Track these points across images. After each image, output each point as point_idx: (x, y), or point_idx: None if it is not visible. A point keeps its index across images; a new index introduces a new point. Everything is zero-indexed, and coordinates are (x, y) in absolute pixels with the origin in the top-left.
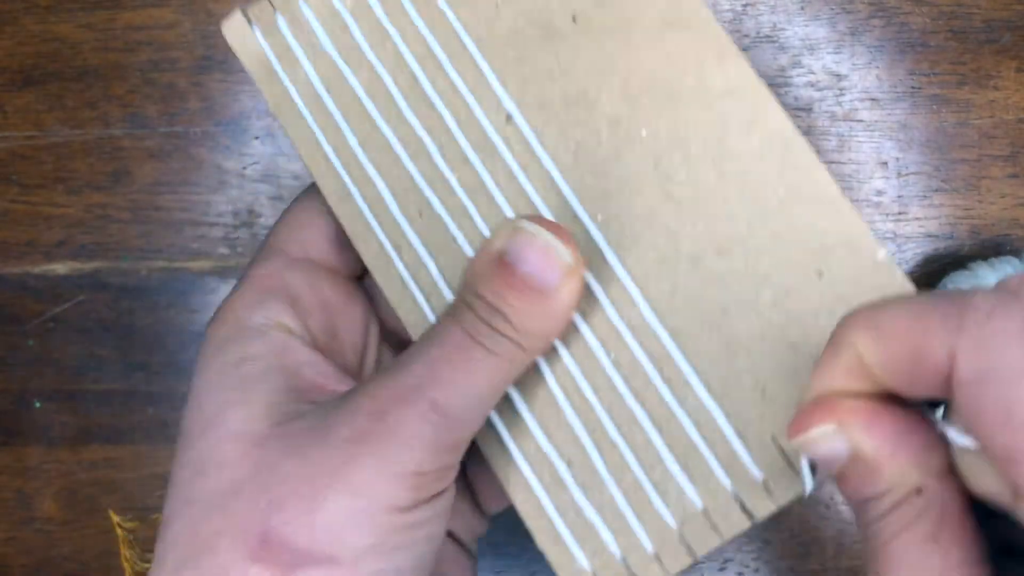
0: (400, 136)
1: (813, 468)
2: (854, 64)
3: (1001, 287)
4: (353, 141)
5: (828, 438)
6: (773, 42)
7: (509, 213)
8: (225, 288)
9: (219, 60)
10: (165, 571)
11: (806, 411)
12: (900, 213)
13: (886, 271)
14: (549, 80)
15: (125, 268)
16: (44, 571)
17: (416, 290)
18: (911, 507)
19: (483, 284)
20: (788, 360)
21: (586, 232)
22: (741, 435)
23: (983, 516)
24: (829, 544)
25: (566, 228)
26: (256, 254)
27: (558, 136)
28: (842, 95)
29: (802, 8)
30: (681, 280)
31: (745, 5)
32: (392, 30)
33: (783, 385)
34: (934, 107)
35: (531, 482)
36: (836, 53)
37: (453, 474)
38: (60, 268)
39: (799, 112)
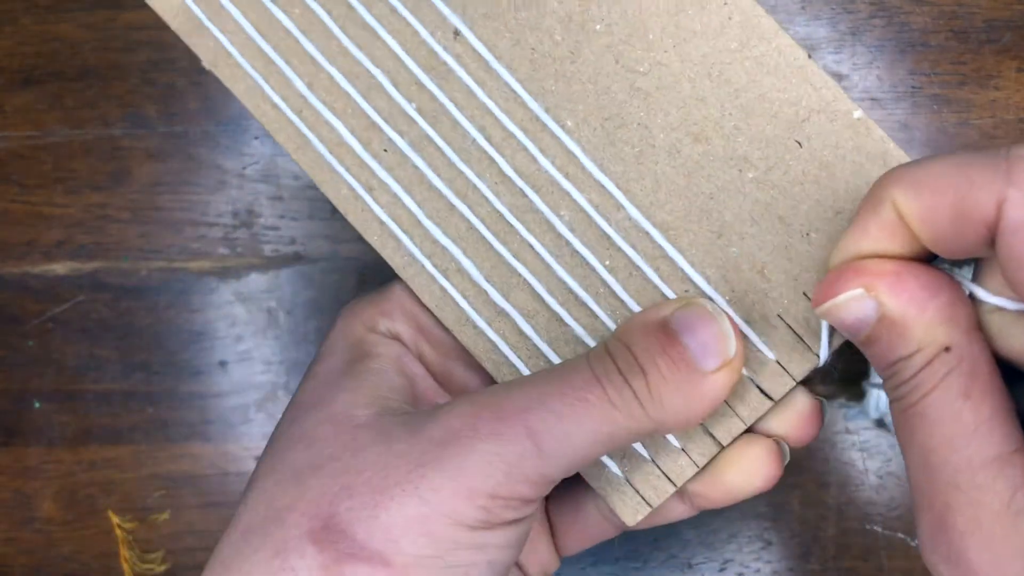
0: (346, 71)
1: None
2: (855, 64)
3: None
4: (300, 85)
5: (855, 301)
6: None
7: (477, 135)
8: (225, 288)
9: None
10: (236, 531)
11: (832, 277)
12: None
13: (864, 130)
14: None
15: (125, 268)
16: (44, 571)
17: (397, 229)
18: (941, 364)
19: (636, 341)
20: (781, 235)
21: (557, 140)
22: (747, 319)
23: (1009, 382)
24: (830, 544)
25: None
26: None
27: (511, 45)
28: None
29: (803, 8)
30: (662, 173)
31: None
32: None
33: (780, 261)
34: (935, 107)
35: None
36: (837, 53)
37: (530, 509)
38: (59, 268)
39: None
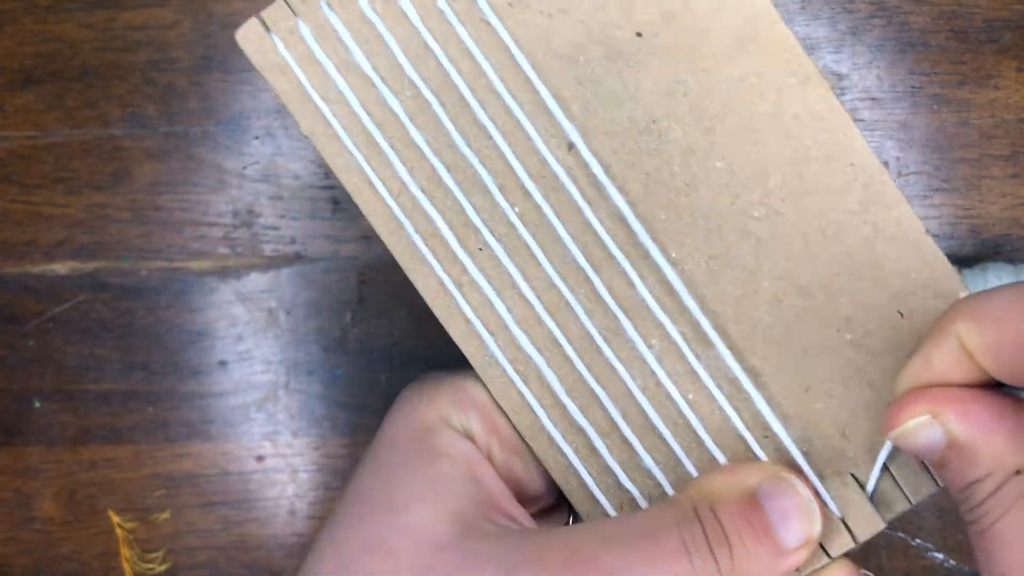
0: (451, 165)
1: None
2: (854, 64)
3: None
4: (401, 169)
5: (923, 428)
6: None
7: (576, 251)
8: (225, 288)
9: (219, 60)
10: None
11: (900, 403)
12: None
13: None
14: (614, 104)
15: (125, 268)
16: (44, 571)
17: (482, 328)
18: (1014, 486)
19: (724, 508)
20: (867, 399)
21: (658, 269)
22: (820, 474)
23: None
24: None
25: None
26: (451, 373)
27: (626, 167)
28: (843, 95)
29: (802, 8)
30: (760, 320)
31: None
32: (434, 44)
33: (862, 424)
34: (935, 107)
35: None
36: (836, 53)
37: None
38: (60, 268)
39: None
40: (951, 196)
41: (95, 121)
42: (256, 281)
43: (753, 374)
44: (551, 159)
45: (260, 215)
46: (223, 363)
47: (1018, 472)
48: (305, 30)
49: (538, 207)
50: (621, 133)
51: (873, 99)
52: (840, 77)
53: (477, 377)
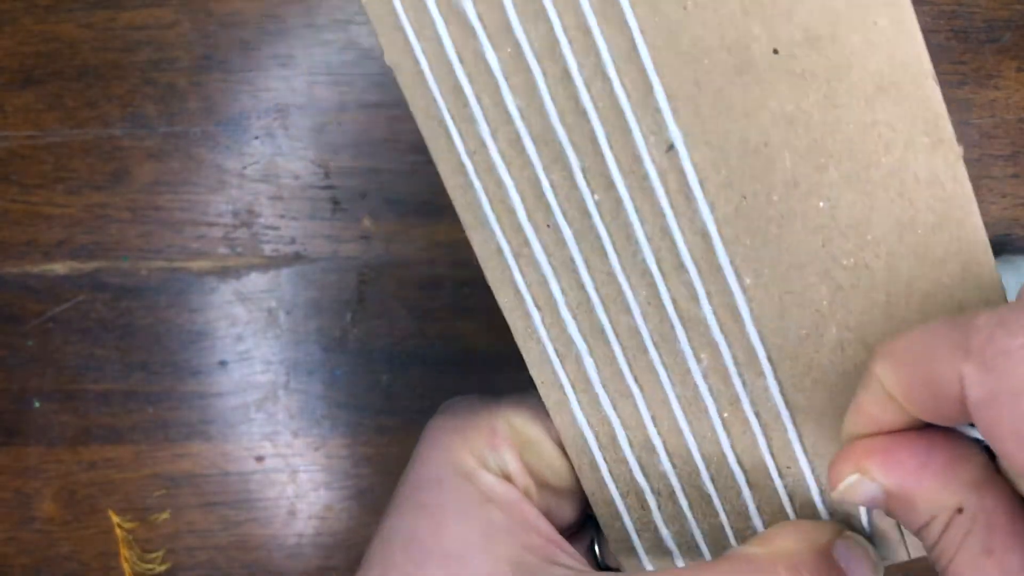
0: (537, 135)
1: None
2: None
3: (1006, 305)
4: (483, 127)
5: (858, 486)
6: None
7: (648, 253)
8: (225, 288)
9: (219, 60)
10: None
11: (832, 463)
12: None
13: None
14: (728, 117)
15: (125, 268)
16: (44, 571)
17: (532, 305)
18: (958, 528)
19: (806, 566)
20: None
21: (728, 291)
22: (831, 512)
23: None
24: None
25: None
26: (488, 399)
27: (723, 184)
28: None
29: None
30: (817, 363)
31: None
32: (551, 8)
33: None
34: None
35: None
36: None
37: None
38: (59, 268)
39: None
40: None
41: (95, 121)
42: (256, 281)
43: (794, 410)
44: (646, 156)
45: (260, 215)
46: (223, 363)
47: (959, 510)
48: None
49: (619, 200)
50: (727, 149)
51: None
52: None
53: (505, 408)
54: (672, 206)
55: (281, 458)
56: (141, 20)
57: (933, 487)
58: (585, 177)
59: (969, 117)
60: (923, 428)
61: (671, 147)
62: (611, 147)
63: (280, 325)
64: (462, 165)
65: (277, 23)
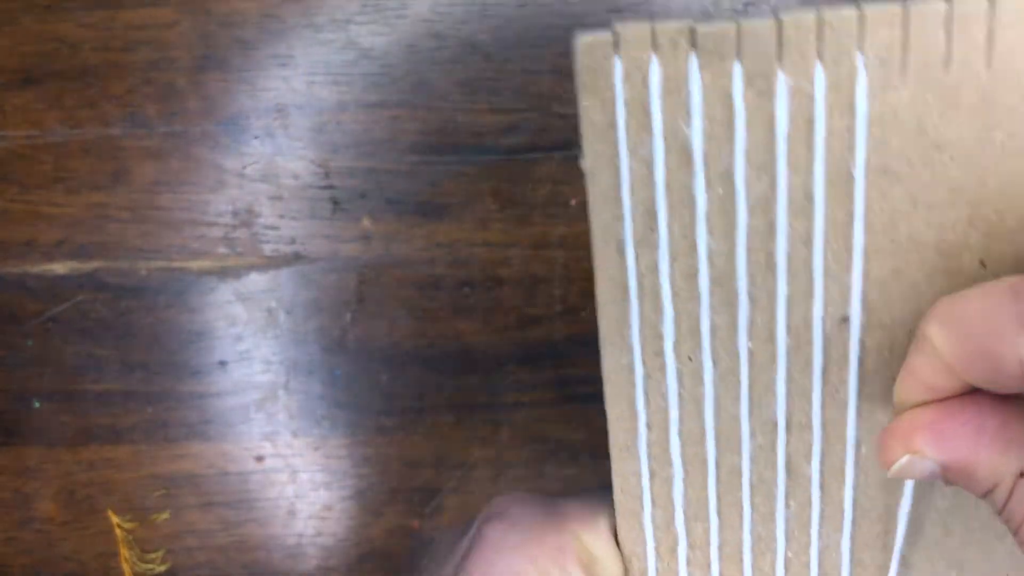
0: (716, 277)
1: None
2: None
3: None
4: (662, 255)
5: (912, 464)
6: None
7: (781, 408)
8: (224, 288)
9: (218, 59)
10: None
11: (883, 443)
12: None
13: None
14: (911, 310)
15: (124, 268)
16: (43, 571)
17: (643, 425)
18: (1020, 489)
19: None
20: None
21: (842, 459)
22: None
23: None
24: None
25: None
26: (550, 507)
27: (881, 365)
28: None
29: (803, 6)
30: (939, 546)
31: (746, 4)
32: (782, 166)
33: None
34: None
35: None
36: None
37: None
38: (59, 268)
39: None
40: None
41: (94, 121)
42: (256, 281)
43: (856, 565)
44: (817, 322)
45: (260, 215)
46: (223, 363)
47: (1021, 475)
48: (655, 73)
49: (773, 355)
50: (899, 337)
51: None
52: None
53: (573, 523)
54: (824, 373)
55: (281, 458)
56: (140, 20)
57: (990, 455)
58: (750, 326)
59: None
60: (974, 392)
61: (845, 320)
62: (788, 306)
63: (280, 325)
64: (625, 283)
65: (276, 23)
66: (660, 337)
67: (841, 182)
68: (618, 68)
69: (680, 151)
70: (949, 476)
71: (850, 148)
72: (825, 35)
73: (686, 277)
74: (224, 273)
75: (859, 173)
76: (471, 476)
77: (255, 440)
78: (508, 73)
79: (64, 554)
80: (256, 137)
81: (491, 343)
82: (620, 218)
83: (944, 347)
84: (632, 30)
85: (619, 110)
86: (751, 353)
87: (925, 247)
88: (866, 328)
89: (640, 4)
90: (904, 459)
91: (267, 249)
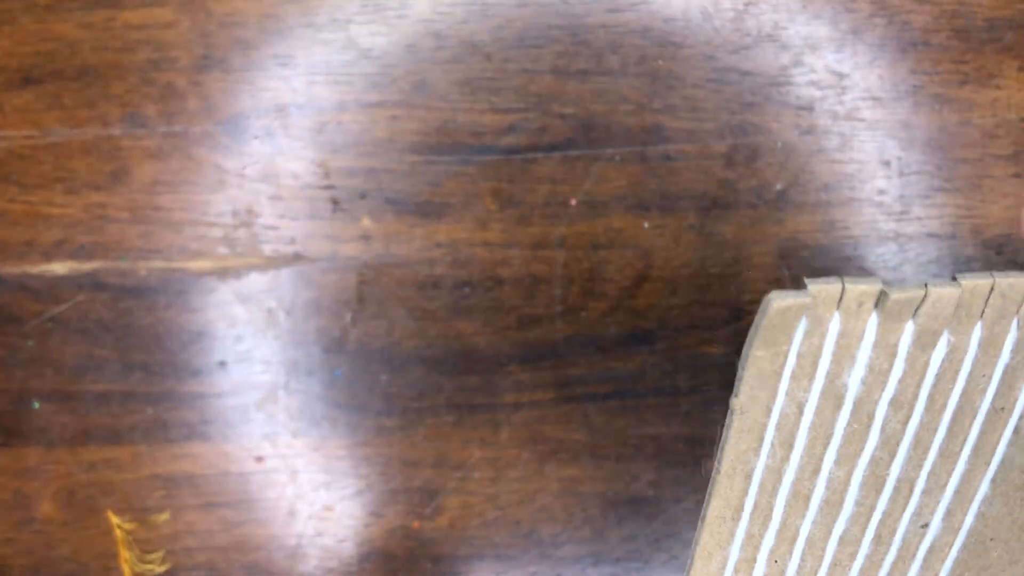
0: (828, 498)
1: None
2: (856, 63)
3: None
4: (787, 478)
5: None
6: (774, 41)
7: None
8: (224, 288)
9: (218, 60)
10: None
11: None
12: (902, 213)
13: None
14: (985, 553)
15: (124, 268)
16: (43, 572)
17: None
18: None
19: None
20: None
21: None
22: None
23: None
24: None
25: None
26: None
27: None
28: (844, 94)
29: (803, 7)
30: None
31: (747, 4)
32: (923, 398)
33: None
34: (936, 106)
35: None
36: (838, 52)
37: None
38: (59, 268)
39: (800, 111)
40: (952, 196)
41: (94, 121)
42: (255, 281)
43: None
44: (901, 527)
45: (259, 215)
46: (222, 363)
47: None
48: (834, 329)
49: (853, 554)
50: (962, 545)
51: (875, 98)
52: (841, 77)
53: None
54: (891, 567)
55: (281, 458)
56: (140, 20)
57: None
58: (843, 534)
59: (970, 117)
60: None
61: (925, 525)
62: (882, 517)
63: (280, 325)
64: (742, 505)
65: (276, 23)
66: (757, 548)
67: (964, 418)
68: (802, 326)
69: (835, 396)
70: None
71: (982, 392)
72: (993, 300)
73: (801, 497)
74: (224, 273)
75: (982, 411)
76: (471, 476)
77: (255, 440)
78: (508, 73)
79: (64, 555)
80: (256, 137)
81: (491, 343)
82: (757, 451)
83: None
84: (824, 292)
85: (790, 360)
86: (835, 555)
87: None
88: (939, 532)
89: (640, 5)
90: None
91: (267, 249)
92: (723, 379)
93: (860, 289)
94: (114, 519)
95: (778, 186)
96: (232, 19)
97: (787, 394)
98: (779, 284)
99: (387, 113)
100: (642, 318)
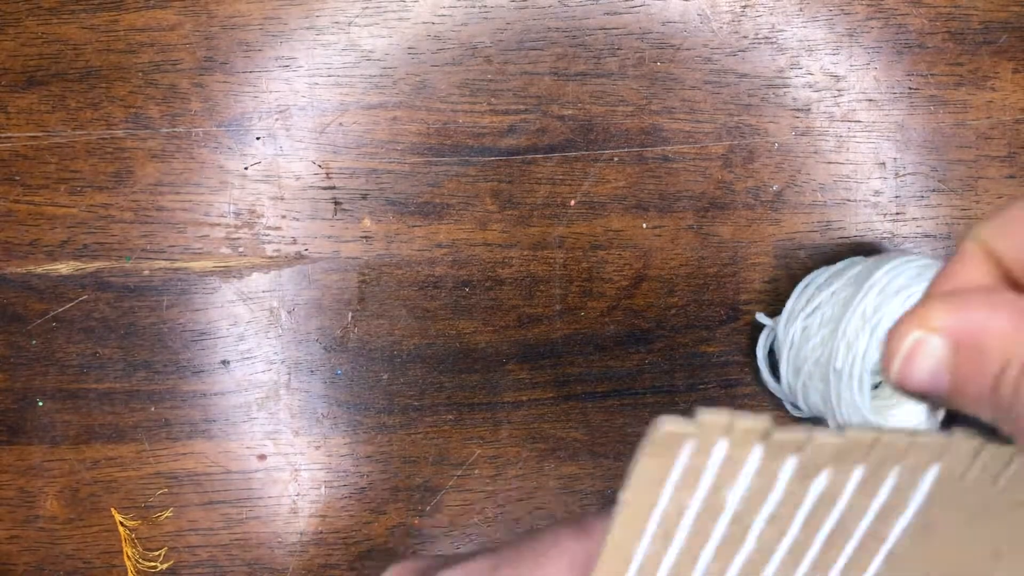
0: None
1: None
2: (852, 65)
3: None
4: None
5: (919, 350)
6: (772, 43)
7: None
8: (227, 287)
9: (220, 61)
10: None
11: (893, 333)
12: (898, 213)
13: None
14: None
15: (127, 268)
16: (47, 569)
17: None
18: None
19: None
20: None
21: None
22: None
23: None
24: None
25: None
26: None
27: None
28: (840, 96)
29: (800, 9)
30: None
31: (744, 7)
32: (800, 520)
33: None
34: (931, 108)
35: None
36: (834, 54)
37: None
38: (63, 268)
39: (797, 113)
40: (948, 197)
41: (98, 122)
42: (258, 281)
43: None
44: None
45: (262, 215)
46: (225, 362)
47: None
48: (719, 451)
49: None
50: None
51: (870, 100)
52: (838, 79)
53: None
54: None
55: (283, 456)
56: (143, 22)
57: (1007, 324)
58: None
59: (965, 118)
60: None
61: None
62: None
63: (282, 325)
64: None
65: (278, 25)
66: None
67: (838, 539)
68: (688, 447)
69: (715, 507)
70: (958, 357)
71: (856, 519)
72: (875, 451)
73: None
74: (226, 273)
75: (856, 535)
76: (471, 474)
77: (257, 439)
78: (508, 75)
79: (67, 552)
80: (258, 138)
81: (491, 342)
82: (638, 539)
83: (1000, 241)
84: (713, 422)
85: (675, 471)
86: None
87: None
88: None
89: (638, 7)
90: (911, 340)
91: (269, 249)
92: (720, 378)
93: (747, 425)
94: (117, 516)
95: (775, 187)
96: (234, 21)
97: (671, 499)
98: (776, 283)
99: (388, 114)
100: (640, 318)
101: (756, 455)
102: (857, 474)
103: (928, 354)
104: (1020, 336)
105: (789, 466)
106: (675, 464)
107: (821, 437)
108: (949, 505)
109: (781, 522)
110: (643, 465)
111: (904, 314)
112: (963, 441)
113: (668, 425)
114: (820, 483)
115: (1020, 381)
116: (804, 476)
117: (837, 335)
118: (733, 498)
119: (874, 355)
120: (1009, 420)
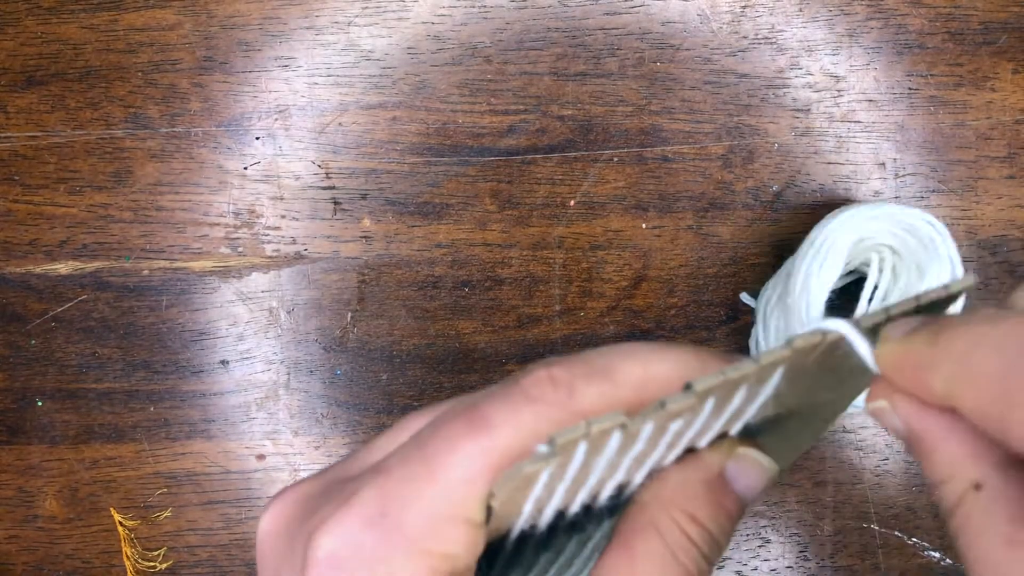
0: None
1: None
2: (852, 65)
3: None
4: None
5: (885, 413)
6: (771, 44)
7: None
8: (226, 287)
9: (220, 61)
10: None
11: (877, 383)
12: None
13: None
14: None
15: (127, 268)
16: (46, 569)
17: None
18: (973, 506)
19: (699, 508)
20: None
21: None
22: None
23: None
24: (827, 543)
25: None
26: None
27: None
28: (840, 96)
29: (800, 10)
30: None
31: (744, 7)
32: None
33: None
34: (931, 108)
35: None
36: (834, 54)
37: None
38: (62, 268)
39: (797, 113)
40: (948, 197)
41: (97, 122)
42: (257, 281)
43: None
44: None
45: (261, 215)
46: (224, 362)
47: (977, 487)
48: (579, 455)
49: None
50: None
51: (870, 101)
52: (837, 79)
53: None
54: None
55: (282, 456)
56: (143, 22)
57: (958, 447)
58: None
59: (965, 118)
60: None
61: None
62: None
63: (281, 325)
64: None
65: (278, 25)
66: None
67: (711, 423)
68: (548, 470)
69: (585, 473)
70: (911, 442)
71: (716, 419)
72: (722, 387)
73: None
74: (226, 273)
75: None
76: None
77: (256, 438)
78: (507, 75)
79: (67, 552)
80: (258, 138)
81: (490, 342)
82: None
83: (963, 400)
84: (568, 439)
85: (539, 484)
86: None
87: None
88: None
89: (638, 7)
90: (881, 403)
91: (268, 249)
92: None
93: (603, 427)
94: (117, 516)
95: (774, 187)
96: (234, 21)
97: (541, 488)
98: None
99: (388, 114)
100: (640, 318)
101: (615, 439)
102: (709, 404)
103: (892, 421)
104: (965, 463)
105: (647, 429)
106: (540, 480)
107: (671, 403)
108: (791, 382)
109: (650, 443)
110: (507, 485)
111: (888, 376)
112: (791, 351)
113: (529, 467)
114: (678, 423)
115: (956, 504)
116: (661, 428)
117: (791, 278)
118: (602, 461)
119: (826, 283)
120: (950, 525)
